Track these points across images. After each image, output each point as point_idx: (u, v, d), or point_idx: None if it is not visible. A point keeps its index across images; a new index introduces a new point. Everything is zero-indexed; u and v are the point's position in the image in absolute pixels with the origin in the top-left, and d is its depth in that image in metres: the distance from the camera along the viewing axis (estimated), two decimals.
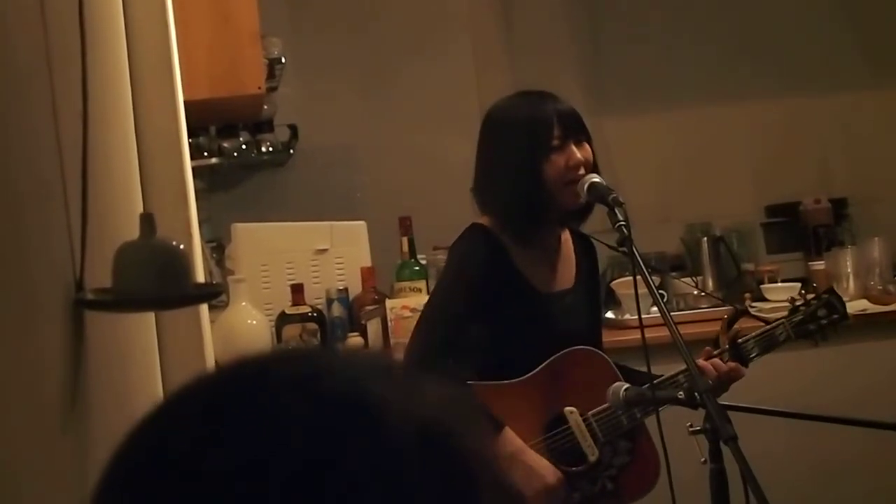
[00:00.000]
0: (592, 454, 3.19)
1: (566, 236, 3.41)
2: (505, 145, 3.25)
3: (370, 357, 0.89)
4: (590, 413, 3.19)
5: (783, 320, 3.33)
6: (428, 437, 0.80)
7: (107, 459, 0.84)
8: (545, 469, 3.11)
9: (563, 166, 3.17)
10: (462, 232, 3.30)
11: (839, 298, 3.42)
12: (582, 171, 3.17)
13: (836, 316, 3.36)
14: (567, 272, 3.38)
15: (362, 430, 0.78)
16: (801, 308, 3.35)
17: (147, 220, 1.80)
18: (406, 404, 0.81)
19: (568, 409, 3.20)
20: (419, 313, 3.41)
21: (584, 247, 3.45)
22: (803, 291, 3.45)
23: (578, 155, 3.18)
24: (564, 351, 3.23)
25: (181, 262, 1.80)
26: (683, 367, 3.05)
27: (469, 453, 0.83)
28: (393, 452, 0.79)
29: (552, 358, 3.21)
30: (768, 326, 3.33)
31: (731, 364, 3.21)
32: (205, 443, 0.79)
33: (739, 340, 3.26)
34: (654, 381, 3.05)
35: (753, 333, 3.30)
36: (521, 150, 3.21)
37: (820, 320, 3.34)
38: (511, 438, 3.08)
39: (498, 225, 3.26)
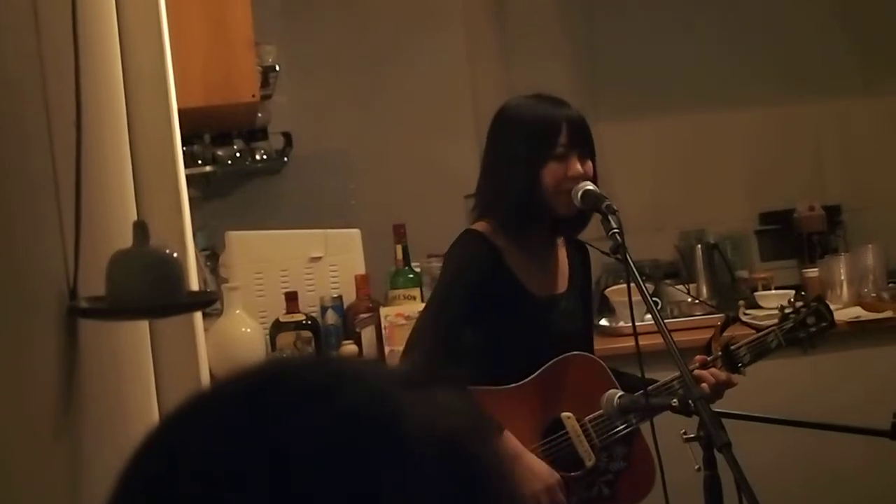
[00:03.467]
0: (589, 459, 3.19)
1: (560, 241, 3.42)
2: (510, 143, 3.27)
3: (387, 366, 0.88)
4: (587, 418, 3.19)
5: (774, 328, 3.36)
6: (448, 449, 0.80)
7: (121, 466, 0.83)
8: (543, 472, 3.11)
9: (562, 176, 3.18)
10: (457, 238, 3.31)
11: (827, 306, 3.46)
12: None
13: (824, 324, 3.40)
14: (561, 277, 3.39)
15: (383, 442, 0.78)
16: (791, 316, 3.38)
17: (141, 228, 1.80)
18: (425, 415, 0.81)
19: (565, 414, 3.21)
20: (414, 320, 3.42)
21: (579, 253, 3.46)
22: (791, 299, 3.46)
23: (579, 167, 3.18)
24: (561, 356, 3.23)
25: (175, 271, 1.80)
26: (679, 373, 3.07)
27: (486, 463, 0.83)
28: (413, 465, 0.78)
29: (549, 363, 3.22)
30: (760, 334, 3.35)
31: (727, 373, 3.22)
32: (226, 454, 0.79)
33: (732, 347, 3.27)
34: (650, 387, 3.05)
35: (745, 340, 3.32)
36: (525, 150, 3.21)
37: (809, 328, 3.38)
38: (510, 442, 3.09)
39: (492, 228, 3.26)
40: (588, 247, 3.49)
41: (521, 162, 3.21)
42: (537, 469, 3.11)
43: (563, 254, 3.42)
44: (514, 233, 3.26)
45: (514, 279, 3.27)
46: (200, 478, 0.78)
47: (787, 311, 3.39)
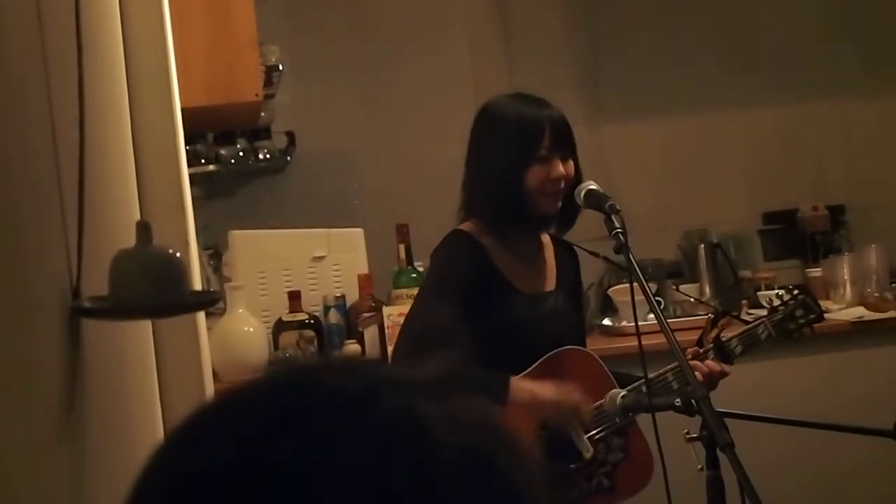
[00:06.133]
0: (587, 451, 3.20)
1: (547, 241, 3.45)
2: (494, 144, 3.30)
3: (414, 372, 0.87)
4: None
5: (764, 319, 3.45)
6: (474, 462, 0.80)
7: (142, 466, 0.83)
8: (563, 395, 3.14)
9: (544, 177, 3.21)
10: (443, 239, 3.33)
11: (814, 299, 3.58)
12: (562, 186, 3.20)
13: (812, 316, 3.51)
14: (549, 276, 3.41)
15: (410, 456, 0.78)
16: (780, 308, 3.49)
17: (143, 228, 1.80)
18: (452, 427, 0.81)
19: None
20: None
21: (567, 254, 3.49)
22: (780, 292, 3.53)
23: (561, 169, 3.21)
24: (555, 351, 3.25)
25: (178, 270, 1.80)
26: (672, 364, 3.11)
27: (514, 473, 0.83)
28: (442, 476, 0.78)
29: (543, 358, 3.23)
30: (750, 325, 3.41)
31: (720, 364, 3.26)
32: (257, 464, 0.78)
33: (723, 339, 3.31)
34: (646, 380, 3.05)
35: (736, 332, 3.37)
36: (509, 151, 3.24)
37: (798, 319, 3.49)
38: (521, 386, 3.11)
39: (478, 227, 3.28)
40: (576, 248, 3.51)
41: (505, 164, 3.24)
42: (555, 398, 3.14)
43: (550, 254, 3.45)
44: (499, 232, 3.29)
45: (500, 277, 3.29)
46: (235, 492, 0.78)
47: (775, 304, 3.48)
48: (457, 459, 0.79)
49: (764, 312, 4.46)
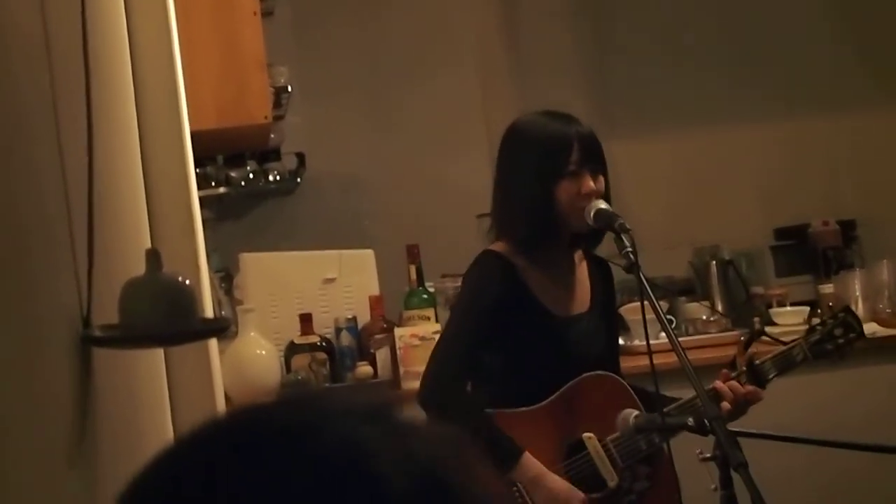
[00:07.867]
0: (612, 480, 3.18)
1: (581, 259, 3.41)
2: (522, 162, 3.26)
3: (362, 401, 0.87)
4: (608, 438, 3.18)
5: (800, 340, 3.32)
6: (425, 488, 0.79)
7: None
8: (567, 492, 3.11)
9: (575, 193, 3.17)
10: (475, 259, 3.30)
11: (855, 317, 3.40)
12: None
13: (853, 335, 3.34)
14: (582, 295, 3.37)
15: (358, 487, 0.78)
16: (818, 328, 3.34)
17: (153, 255, 1.80)
18: (401, 454, 0.80)
19: (586, 434, 3.19)
20: (429, 341, 3.42)
21: (601, 271, 3.45)
22: (818, 312, 3.42)
23: (592, 184, 3.18)
24: (579, 377, 3.22)
25: (188, 298, 1.80)
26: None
27: (469, 495, 0.82)
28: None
29: (568, 384, 3.20)
30: (785, 347, 3.33)
31: (750, 387, 3.20)
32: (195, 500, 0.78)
33: (756, 362, 3.25)
34: (673, 406, 3.04)
35: (770, 355, 3.29)
36: (537, 169, 3.21)
37: (837, 339, 3.33)
38: (531, 464, 3.08)
39: (510, 247, 3.26)
40: (611, 265, 3.47)
41: (534, 181, 3.21)
42: (559, 491, 3.10)
43: (584, 273, 3.41)
44: (531, 251, 3.26)
45: (532, 298, 3.26)
46: None
47: (814, 323, 3.35)
48: (408, 490, 0.78)
49: (776, 329, 4.46)
